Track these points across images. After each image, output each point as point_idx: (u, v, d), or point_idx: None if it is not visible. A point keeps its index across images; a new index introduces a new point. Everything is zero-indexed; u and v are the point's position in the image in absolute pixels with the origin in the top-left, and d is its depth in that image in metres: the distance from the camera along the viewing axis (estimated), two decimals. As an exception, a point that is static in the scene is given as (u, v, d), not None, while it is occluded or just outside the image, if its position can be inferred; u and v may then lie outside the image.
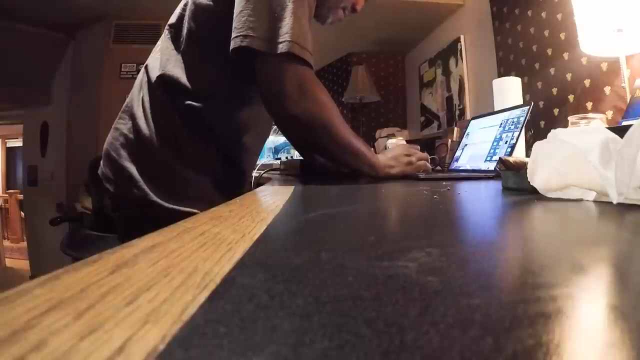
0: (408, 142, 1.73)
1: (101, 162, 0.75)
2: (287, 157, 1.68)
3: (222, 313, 0.11)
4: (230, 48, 0.62)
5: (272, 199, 0.45)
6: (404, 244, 0.21)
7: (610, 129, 0.41)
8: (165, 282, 0.14)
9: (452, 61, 2.39)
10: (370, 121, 3.04)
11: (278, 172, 1.31)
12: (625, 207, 0.32)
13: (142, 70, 0.77)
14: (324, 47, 3.06)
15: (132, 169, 0.68)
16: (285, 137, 0.73)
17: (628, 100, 1.03)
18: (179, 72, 0.70)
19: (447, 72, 2.46)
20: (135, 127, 0.70)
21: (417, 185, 0.64)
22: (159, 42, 0.77)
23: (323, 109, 0.67)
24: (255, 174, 1.32)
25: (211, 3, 0.68)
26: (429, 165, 0.84)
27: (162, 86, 0.70)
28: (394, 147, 0.84)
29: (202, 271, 0.16)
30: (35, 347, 0.09)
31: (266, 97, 0.65)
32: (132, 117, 0.72)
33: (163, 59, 0.72)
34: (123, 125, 0.72)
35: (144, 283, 0.14)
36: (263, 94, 0.65)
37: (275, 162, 1.61)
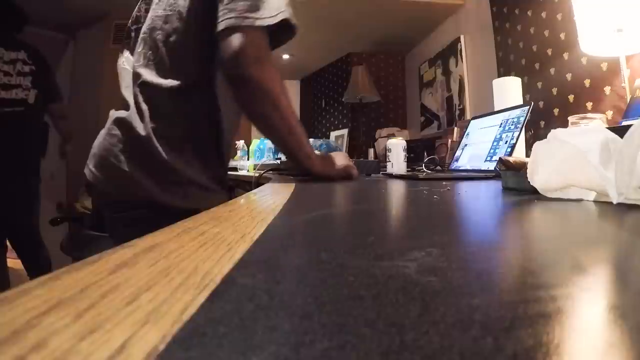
0: (408, 142, 1.73)
1: (91, 167, 0.74)
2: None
3: (222, 313, 0.11)
4: (225, 27, 0.64)
5: (272, 199, 0.45)
6: (404, 244, 0.21)
7: (610, 129, 0.41)
8: (165, 282, 0.14)
9: (452, 61, 2.39)
10: (370, 121, 3.04)
11: (278, 172, 1.31)
12: (625, 207, 0.32)
13: (128, 76, 0.77)
14: (324, 47, 3.06)
15: (136, 172, 0.69)
16: (235, 99, 0.72)
17: (628, 100, 1.03)
18: (164, 71, 0.72)
19: (447, 72, 2.46)
20: (135, 131, 0.70)
21: (417, 185, 0.64)
22: (125, 53, 0.81)
23: (274, 78, 0.68)
24: (255, 174, 1.32)
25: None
26: (355, 172, 0.88)
27: (154, 88, 0.71)
28: (335, 154, 0.89)
29: (201, 271, 0.16)
30: (35, 347, 0.09)
31: (225, 59, 0.66)
32: (128, 122, 0.72)
33: (142, 61, 0.74)
34: (118, 130, 0.73)
35: (144, 283, 0.14)
36: (223, 56, 0.66)
37: (275, 162, 1.61)
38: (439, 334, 0.10)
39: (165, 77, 0.71)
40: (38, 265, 1.87)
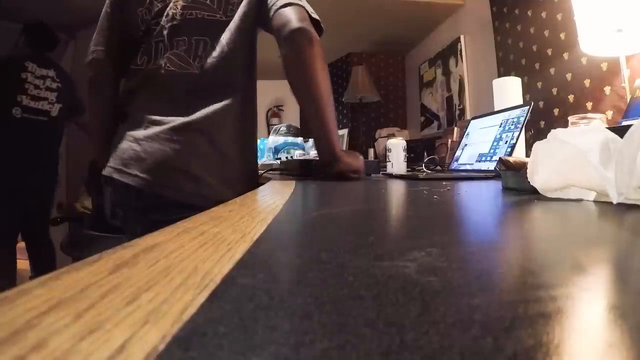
0: (408, 142, 1.73)
1: (139, 172, 0.73)
2: (287, 157, 1.68)
3: (222, 313, 0.11)
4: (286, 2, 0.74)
5: (272, 199, 0.45)
6: (404, 244, 0.21)
7: (610, 129, 0.41)
8: (165, 282, 0.14)
9: (452, 61, 2.39)
10: (370, 121, 3.03)
11: (278, 172, 1.31)
12: (625, 207, 0.32)
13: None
14: (324, 47, 3.05)
15: (205, 175, 0.74)
16: (282, 53, 0.76)
17: (628, 100, 1.03)
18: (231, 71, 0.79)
19: (447, 72, 2.46)
20: (213, 141, 0.75)
21: (417, 185, 0.64)
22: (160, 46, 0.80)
23: (323, 55, 0.76)
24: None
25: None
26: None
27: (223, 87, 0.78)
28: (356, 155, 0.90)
29: (201, 271, 0.16)
30: (35, 347, 0.09)
31: (290, 20, 0.73)
32: (203, 131, 0.75)
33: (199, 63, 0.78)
34: (192, 139, 0.74)
35: (144, 283, 0.14)
36: (288, 18, 0.74)
37: (275, 162, 1.61)
38: (439, 334, 0.10)
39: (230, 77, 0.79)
40: (44, 262, 2.03)
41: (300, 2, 0.76)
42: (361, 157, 0.88)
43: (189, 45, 0.78)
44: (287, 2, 0.75)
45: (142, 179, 0.73)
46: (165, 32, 0.79)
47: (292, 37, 0.73)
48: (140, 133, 0.75)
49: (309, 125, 0.79)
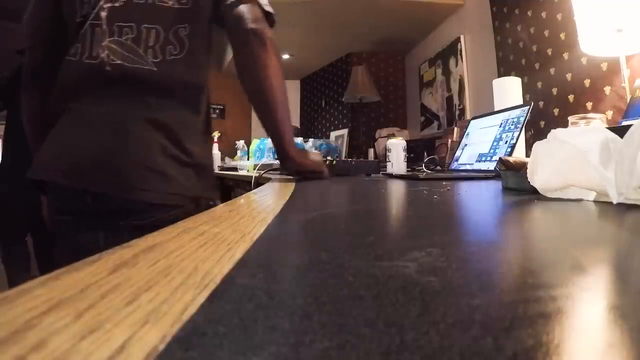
0: (408, 142, 1.73)
1: (107, 176, 0.63)
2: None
3: (222, 313, 0.11)
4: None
5: (272, 199, 0.45)
6: (404, 244, 0.21)
7: (610, 129, 0.41)
8: (165, 282, 0.14)
9: (452, 61, 2.39)
10: (370, 121, 3.04)
11: (278, 172, 1.31)
12: (625, 207, 0.32)
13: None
14: (324, 47, 3.06)
15: (173, 173, 0.69)
16: (234, 53, 0.76)
17: (628, 100, 1.03)
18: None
19: (447, 72, 2.46)
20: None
21: (417, 185, 0.64)
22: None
23: (277, 55, 0.75)
24: (255, 174, 1.32)
25: None
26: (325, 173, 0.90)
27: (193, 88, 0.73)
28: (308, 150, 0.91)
29: (201, 271, 0.16)
30: (35, 347, 0.09)
31: (241, 15, 0.72)
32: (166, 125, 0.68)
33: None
34: (157, 133, 0.67)
35: (144, 283, 0.14)
36: (237, 16, 0.72)
37: (275, 162, 1.61)
38: (439, 334, 0.10)
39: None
40: (52, 264, 2.03)
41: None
42: (318, 157, 0.89)
43: (138, 33, 0.68)
44: None
45: (101, 181, 0.63)
46: (103, 14, 0.69)
47: (245, 40, 0.72)
48: (90, 131, 0.65)
49: (263, 126, 0.79)
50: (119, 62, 0.67)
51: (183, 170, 0.69)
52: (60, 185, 0.65)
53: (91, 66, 0.67)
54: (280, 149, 0.81)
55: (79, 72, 0.68)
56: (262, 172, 1.32)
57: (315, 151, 0.96)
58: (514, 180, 0.52)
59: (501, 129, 1.03)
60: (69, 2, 0.71)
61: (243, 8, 0.72)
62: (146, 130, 0.66)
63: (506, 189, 0.54)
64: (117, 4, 0.69)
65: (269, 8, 0.76)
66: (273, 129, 0.79)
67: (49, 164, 0.66)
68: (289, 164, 0.82)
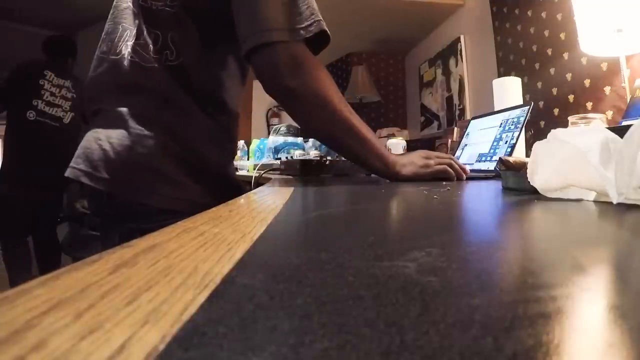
0: (408, 142, 1.73)
1: (117, 177, 0.64)
2: (287, 157, 1.68)
3: (222, 313, 0.11)
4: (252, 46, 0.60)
5: (272, 199, 0.45)
6: (404, 244, 0.21)
7: (610, 129, 0.41)
8: (165, 282, 0.14)
9: (452, 61, 2.39)
10: (370, 121, 3.03)
11: (278, 172, 1.31)
12: (625, 207, 0.32)
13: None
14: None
15: (182, 177, 0.67)
16: (288, 113, 0.69)
17: (628, 100, 1.03)
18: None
19: (447, 72, 2.46)
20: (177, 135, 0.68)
21: (417, 185, 0.64)
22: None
23: (320, 83, 0.63)
24: (255, 174, 1.32)
25: None
26: (456, 167, 0.77)
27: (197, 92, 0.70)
28: (415, 151, 0.79)
29: (201, 271, 0.16)
30: (35, 347, 0.09)
31: (260, 71, 0.63)
32: (165, 127, 0.66)
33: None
34: (154, 134, 0.66)
35: (144, 283, 0.14)
36: (257, 69, 0.63)
37: (275, 162, 1.61)
38: (439, 334, 0.10)
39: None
40: (50, 263, 2.10)
41: (281, 36, 0.59)
42: (421, 153, 0.77)
43: (154, 37, 0.68)
44: (264, 40, 0.58)
45: (111, 182, 0.63)
46: (133, 11, 0.69)
47: (281, 101, 0.65)
48: (112, 132, 0.65)
49: (347, 158, 0.73)
50: (136, 60, 0.67)
51: (194, 176, 0.68)
52: (82, 184, 0.66)
53: (114, 61, 0.69)
54: (379, 167, 0.72)
55: (106, 67, 0.70)
56: (262, 172, 1.32)
57: (418, 151, 0.80)
58: (514, 180, 0.52)
59: (501, 129, 1.03)
60: None
61: (260, 62, 0.61)
62: (155, 134, 0.65)
63: (506, 189, 0.54)
64: (146, 5, 0.69)
65: (309, 30, 0.61)
66: (362, 165, 0.72)
67: (75, 163, 0.68)
68: (399, 176, 0.73)
